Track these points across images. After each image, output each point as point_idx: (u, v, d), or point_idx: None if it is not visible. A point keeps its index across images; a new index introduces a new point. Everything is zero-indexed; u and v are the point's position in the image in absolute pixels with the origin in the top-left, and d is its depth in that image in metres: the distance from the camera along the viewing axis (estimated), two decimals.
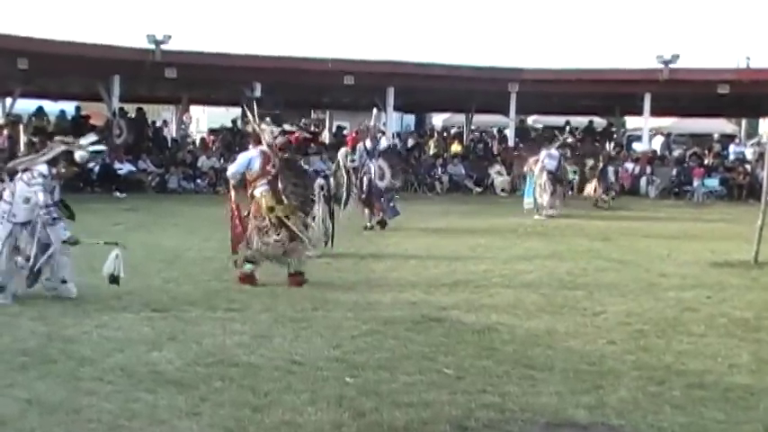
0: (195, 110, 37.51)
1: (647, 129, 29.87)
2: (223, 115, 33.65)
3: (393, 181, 16.03)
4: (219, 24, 74.09)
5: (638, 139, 31.88)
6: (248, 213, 9.81)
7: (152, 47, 24.82)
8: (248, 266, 9.66)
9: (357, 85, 26.98)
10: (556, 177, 19.80)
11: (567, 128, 25.55)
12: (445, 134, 35.55)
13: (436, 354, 6.78)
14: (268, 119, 10.42)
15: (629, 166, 27.78)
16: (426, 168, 28.22)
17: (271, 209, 9.63)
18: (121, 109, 26.17)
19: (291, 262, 9.74)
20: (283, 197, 9.74)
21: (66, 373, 5.97)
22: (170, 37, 24.99)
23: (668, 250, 13.44)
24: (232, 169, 10.18)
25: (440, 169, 28.04)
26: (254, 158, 9.83)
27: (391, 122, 29.93)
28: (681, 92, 27.91)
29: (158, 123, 31.77)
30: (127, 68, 24.67)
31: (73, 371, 6.03)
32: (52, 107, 31.49)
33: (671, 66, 27.08)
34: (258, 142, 10.15)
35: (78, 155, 8.97)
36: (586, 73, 27.93)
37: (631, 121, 36.22)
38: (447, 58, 41.77)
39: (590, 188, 21.63)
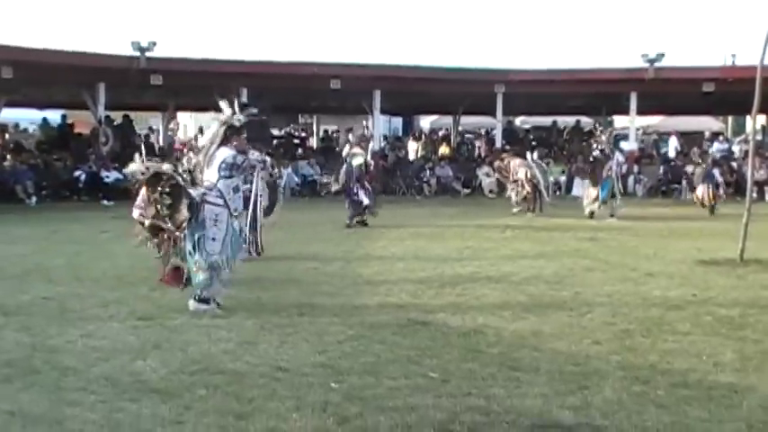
0: (182, 116, 37.47)
1: (634, 128, 29.93)
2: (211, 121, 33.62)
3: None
4: (205, 30, 74.00)
5: (625, 138, 31.93)
6: None
7: (137, 54, 24.78)
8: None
9: (344, 89, 26.99)
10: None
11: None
12: (434, 136, 35.58)
13: (422, 357, 6.77)
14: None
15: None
16: (414, 171, 28.24)
17: None
18: (107, 117, 26.13)
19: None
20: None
21: (49, 384, 5.95)
22: (155, 44, 24.98)
23: (655, 249, 13.48)
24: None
25: (428, 172, 28.06)
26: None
27: (379, 126, 29.95)
28: (667, 90, 27.99)
29: (144, 131, 31.76)
30: (112, 76, 24.63)
31: (57, 381, 6.01)
32: (36, 115, 31.51)
33: (656, 65, 27.20)
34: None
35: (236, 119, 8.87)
36: (573, 73, 28.01)
37: (619, 120, 36.29)
38: (433, 60, 41.81)
39: (700, 192, 21.09)
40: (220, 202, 8.52)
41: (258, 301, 8.97)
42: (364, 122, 29.67)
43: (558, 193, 27.83)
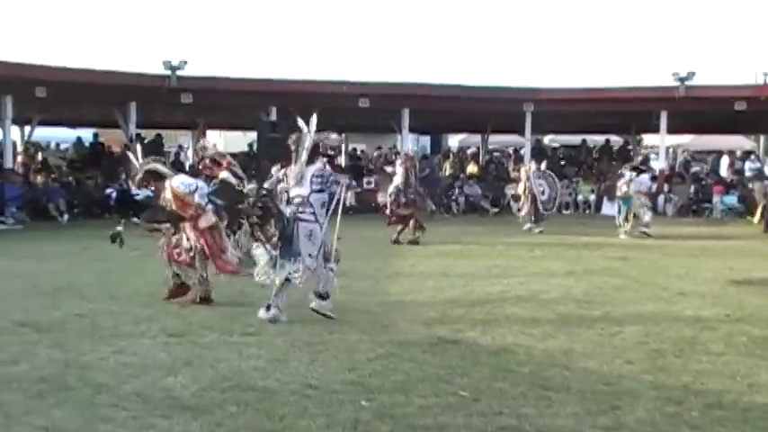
0: (212, 134, 37.71)
1: (664, 146, 29.74)
2: (240, 139, 33.82)
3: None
4: (234, 49, 74.56)
5: (656, 156, 31.75)
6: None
7: (168, 73, 24.98)
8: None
9: (372, 108, 27.03)
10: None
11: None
12: (461, 155, 35.52)
13: (452, 376, 6.76)
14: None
15: None
16: (443, 189, 28.19)
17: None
18: (138, 135, 26.34)
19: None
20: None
21: (82, 400, 5.99)
22: (186, 63, 25.14)
23: (686, 268, 13.37)
24: (196, 183, 10.07)
25: (456, 190, 28.03)
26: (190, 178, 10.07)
27: (407, 144, 29.96)
28: (697, 109, 27.76)
29: (174, 149, 31.97)
30: (143, 95, 24.83)
31: (90, 398, 6.05)
32: (69, 134, 31.82)
33: (687, 83, 27.01)
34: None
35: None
36: (602, 92, 27.85)
37: (649, 139, 36.08)
38: (462, 79, 41.79)
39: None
40: (312, 218, 8.97)
41: (288, 318, 8.97)
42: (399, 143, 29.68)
43: (587, 211, 27.74)
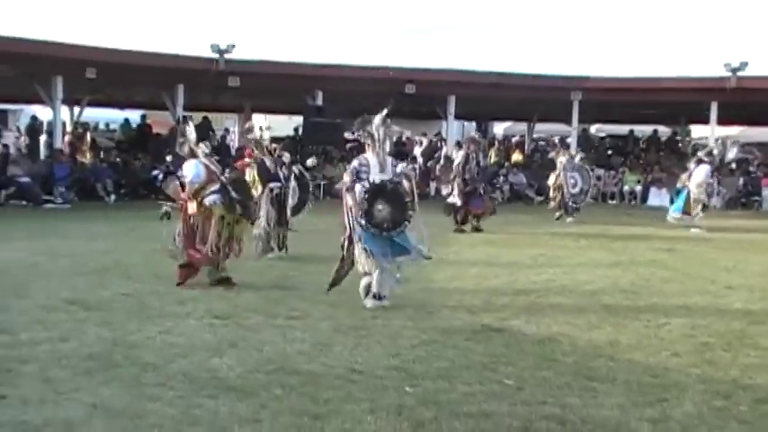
0: (257, 118, 37.86)
1: (714, 138, 29.32)
2: (285, 123, 33.93)
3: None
4: (282, 33, 74.77)
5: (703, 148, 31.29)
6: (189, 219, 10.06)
7: (216, 56, 25.11)
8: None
9: (418, 94, 26.97)
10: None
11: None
12: (506, 143, 35.35)
13: (496, 364, 6.73)
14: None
15: None
16: (487, 177, 28.06)
17: (222, 217, 9.93)
18: (185, 117, 26.53)
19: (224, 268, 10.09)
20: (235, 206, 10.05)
21: (130, 379, 6.06)
22: (234, 46, 25.25)
23: (734, 262, 13.19)
24: (193, 174, 10.06)
25: (501, 178, 27.90)
26: (200, 166, 10.07)
27: (452, 131, 29.89)
28: (749, 100, 27.35)
29: (221, 132, 32.16)
30: (191, 77, 25.01)
31: (137, 376, 6.12)
32: (117, 115, 32.18)
33: (739, 74, 26.59)
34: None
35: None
36: (651, 81, 27.56)
37: (697, 130, 35.59)
38: (509, 67, 41.55)
39: None
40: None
41: (333, 303, 9.00)
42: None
43: (632, 202, 27.49)
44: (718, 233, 17.89)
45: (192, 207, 9.98)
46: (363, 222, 8.91)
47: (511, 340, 7.60)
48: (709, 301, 9.81)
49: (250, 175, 12.42)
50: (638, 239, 16.38)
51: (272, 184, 12.49)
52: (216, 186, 9.96)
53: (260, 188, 12.34)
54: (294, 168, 12.93)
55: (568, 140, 29.95)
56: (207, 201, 9.87)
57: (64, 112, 26.23)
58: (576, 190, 20.16)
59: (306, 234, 12.88)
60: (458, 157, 17.67)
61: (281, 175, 12.60)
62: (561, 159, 20.73)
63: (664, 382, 6.34)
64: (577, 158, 21.04)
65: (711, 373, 6.65)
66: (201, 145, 10.50)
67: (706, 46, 68.12)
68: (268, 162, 12.62)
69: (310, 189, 13.49)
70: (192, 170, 10.04)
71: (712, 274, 11.94)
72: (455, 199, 17.17)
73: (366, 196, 8.95)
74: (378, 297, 8.93)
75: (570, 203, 20.03)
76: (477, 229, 16.98)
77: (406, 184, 9.29)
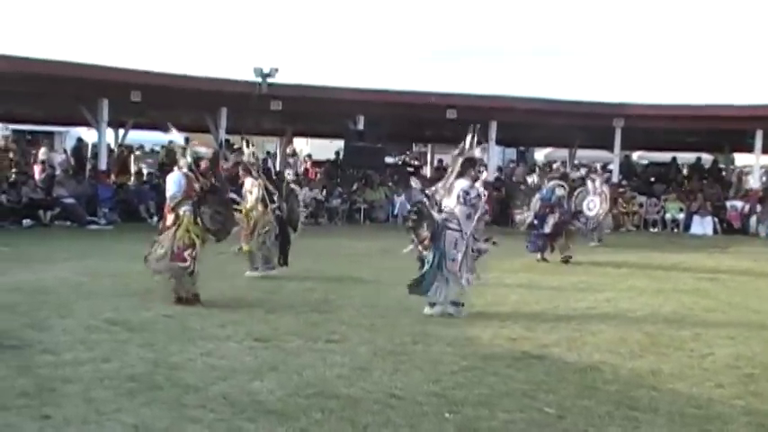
0: (298, 142, 38.12)
1: (759, 166, 28.99)
2: (326, 147, 34.09)
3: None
4: (324, 57, 75.33)
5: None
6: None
7: (259, 80, 25.31)
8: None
9: (460, 119, 26.92)
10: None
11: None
12: (547, 169, 35.23)
13: (537, 392, 6.69)
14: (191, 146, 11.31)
15: (738, 204, 27.02)
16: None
17: (186, 229, 10.16)
18: (227, 140, 26.75)
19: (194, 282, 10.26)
20: (200, 220, 10.25)
21: (171, 400, 6.10)
22: (276, 70, 25.41)
23: None
24: (174, 190, 10.39)
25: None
26: (181, 179, 10.33)
27: (493, 157, 29.83)
28: None
29: (262, 155, 32.33)
30: (234, 101, 25.21)
31: (178, 398, 6.16)
32: (160, 138, 32.51)
33: None
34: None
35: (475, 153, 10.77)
36: (694, 109, 27.26)
37: (741, 158, 35.21)
38: (550, 93, 41.41)
39: None
40: (457, 228, 10.00)
41: (372, 327, 9.01)
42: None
43: (675, 230, 27.19)
44: (763, 263, 17.59)
45: (170, 219, 10.25)
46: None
47: (552, 368, 7.56)
48: (753, 331, 9.67)
49: (258, 192, 12.83)
50: (680, 268, 16.19)
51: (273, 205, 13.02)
52: (191, 201, 10.26)
53: (260, 207, 12.91)
54: (293, 186, 13.63)
55: (610, 167, 29.74)
56: (180, 211, 10.17)
57: (109, 135, 26.57)
58: (592, 213, 19.87)
59: (345, 257, 12.92)
60: (557, 189, 17.20)
61: (283, 194, 13.02)
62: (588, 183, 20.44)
63: (707, 414, 6.26)
64: (598, 182, 20.69)
65: (756, 405, 6.56)
66: (183, 160, 10.64)
67: (748, 73, 67.51)
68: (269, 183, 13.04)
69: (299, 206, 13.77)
70: (174, 183, 10.34)
71: (756, 304, 11.78)
72: (548, 228, 16.86)
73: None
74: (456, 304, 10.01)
75: (588, 227, 19.72)
76: (566, 260, 16.71)
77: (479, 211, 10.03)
